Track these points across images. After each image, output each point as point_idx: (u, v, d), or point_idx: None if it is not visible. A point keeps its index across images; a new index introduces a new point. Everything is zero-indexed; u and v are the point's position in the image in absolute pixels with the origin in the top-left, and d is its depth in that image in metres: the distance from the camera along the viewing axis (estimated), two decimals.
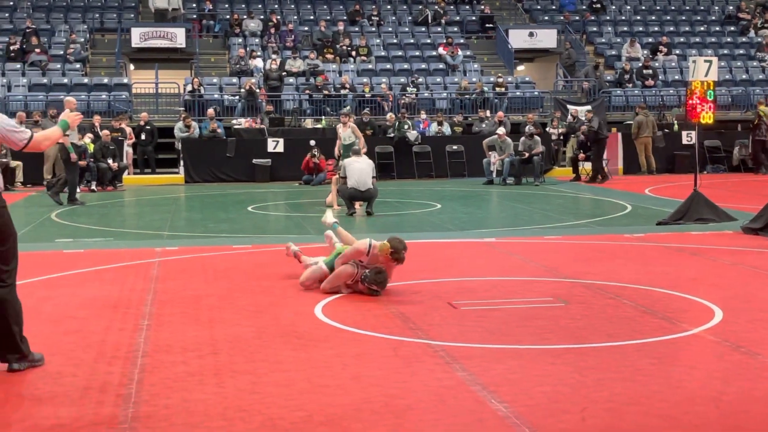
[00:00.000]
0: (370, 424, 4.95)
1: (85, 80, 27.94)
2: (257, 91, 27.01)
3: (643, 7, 36.61)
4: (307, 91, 27.66)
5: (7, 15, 31.94)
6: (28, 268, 9.64)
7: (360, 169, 15.84)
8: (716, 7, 36.70)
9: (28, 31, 29.32)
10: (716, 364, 6.20)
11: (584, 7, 35.75)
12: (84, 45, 29.99)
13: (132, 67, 31.97)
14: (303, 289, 8.84)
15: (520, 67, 33.68)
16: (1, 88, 26.81)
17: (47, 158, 22.40)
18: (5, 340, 6.00)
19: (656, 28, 34.81)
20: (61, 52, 29.18)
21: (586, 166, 23.53)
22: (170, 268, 10.26)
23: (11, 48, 28.58)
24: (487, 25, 33.80)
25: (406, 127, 25.24)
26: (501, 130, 23.00)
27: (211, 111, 25.38)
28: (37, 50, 28.59)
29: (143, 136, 24.90)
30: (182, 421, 5.03)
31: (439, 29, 33.02)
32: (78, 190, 18.81)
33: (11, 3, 32.65)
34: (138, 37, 29.88)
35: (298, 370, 6.00)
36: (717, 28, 35.11)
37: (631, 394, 5.44)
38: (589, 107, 26.35)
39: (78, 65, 28.75)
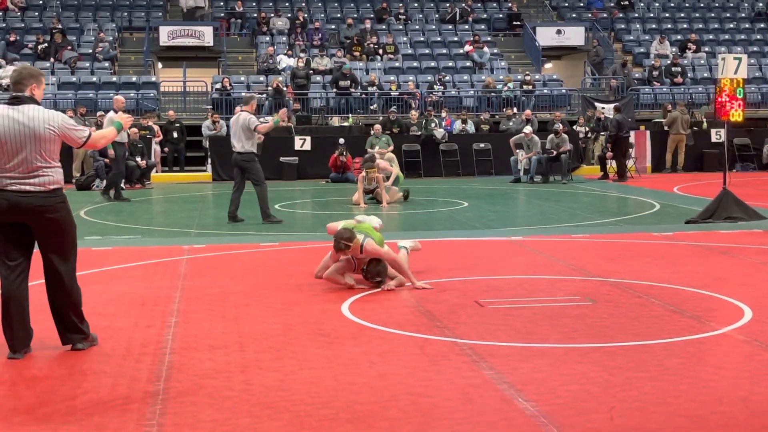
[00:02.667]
0: (396, 422, 4.95)
1: (114, 79, 28.13)
2: (284, 89, 27.08)
3: (672, 4, 36.36)
4: (335, 90, 27.67)
5: (36, 14, 32.20)
6: None
7: (234, 128, 14.22)
8: (746, 4, 36.39)
9: (54, 30, 29.54)
10: (745, 363, 6.15)
11: (612, 4, 35.56)
12: (112, 43, 30.18)
13: (160, 65, 32.15)
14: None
15: (548, 65, 33.56)
16: None
17: (76, 156, 22.55)
18: (69, 323, 6.48)
19: (685, 25, 34.57)
20: (90, 51, 29.37)
21: (614, 165, 23.42)
22: (198, 266, 10.31)
23: (39, 47, 28.80)
24: (514, 23, 33.71)
25: (432, 125, 25.22)
26: (528, 129, 22.93)
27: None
28: (69, 47, 28.81)
29: (174, 134, 25.03)
30: (210, 417, 5.05)
31: (466, 27, 32.96)
32: (100, 185, 18.92)
33: (40, 2, 32.92)
34: (166, 35, 30.05)
35: (324, 368, 6.01)
36: (746, 25, 34.82)
37: (659, 393, 5.40)
38: (615, 105, 26.26)
39: (106, 64, 28.94)
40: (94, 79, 27.71)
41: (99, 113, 23.81)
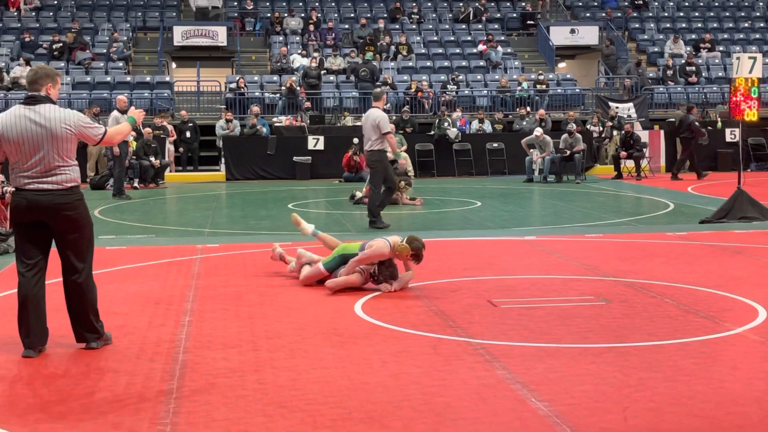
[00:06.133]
0: (409, 422, 4.95)
1: (128, 78, 28.20)
2: (298, 89, 27.11)
3: (686, 3, 36.24)
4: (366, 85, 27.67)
5: (51, 14, 32.31)
6: None
7: (365, 125, 13.83)
8: (761, 3, 36.22)
9: (73, 30, 29.64)
10: (760, 364, 6.12)
11: (626, 3, 35.46)
12: (127, 43, 30.27)
13: (174, 65, 32.22)
14: (300, 286, 8.89)
15: (562, 65, 33.49)
16: None
17: (90, 156, 22.64)
18: (84, 321, 6.51)
19: (699, 25, 34.45)
20: (104, 51, 29.47)
21: (628, 164, 23.38)
22: (211, 265, 10.33)
23: (54, 47, 28.91)
24: (528, 22, 33.67)
25: (446, 124, 25.20)
26: (538, 131, 22.88)
27: (255, 108, 25.55)
28: (83, 47, 28.91)
29: (188, 134, 25.08)
30: (223, 416, 5.06)
31: (480, 26, 32.93)
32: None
33: (55, 2, 33.04)
34: (180, 35, 30.13)
35: (337, 367, 6.01)
36: (761, 24, 34.66)
37: (673, 394, 5.39)
38: (687, 105, 26.28)
39: (121, 63, 29.02)
40: (109, 78, 27.79)
41: (94, 108, 24.01)
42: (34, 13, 32.17)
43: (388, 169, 13.74)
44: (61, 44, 28.92)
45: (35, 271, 6.40)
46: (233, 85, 27.50)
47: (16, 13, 31.94)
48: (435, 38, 32.03)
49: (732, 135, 25.24)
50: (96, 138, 6.51)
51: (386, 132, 13.43)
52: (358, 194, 17.63)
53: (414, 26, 32.69)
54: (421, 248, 8.54)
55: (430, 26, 32.94)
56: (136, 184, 21.76)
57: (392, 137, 13.71)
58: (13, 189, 6.44)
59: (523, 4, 34.40)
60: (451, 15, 34.01)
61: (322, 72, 28.42)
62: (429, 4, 34.62)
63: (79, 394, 5.54)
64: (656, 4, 35.88)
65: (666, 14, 35.39)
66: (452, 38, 32.07)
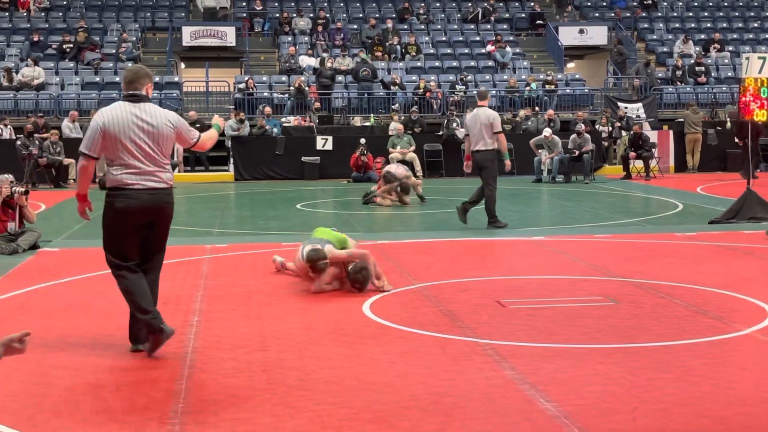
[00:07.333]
0: (417, 422, 4.95)
1: None
2: (306, 89, 27.12)
3: (695, 3, 36.15)
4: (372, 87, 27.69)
5: (60, 14, 32.39)
6: (80, 264, 9.76)
7: (474, 125, 13.43)
8: None
9: (80, 29, 29.71)
10: None
11: (635, 3, 35.40)
12: (135, 44, 30.32)
13: (183, 65, 32.27)
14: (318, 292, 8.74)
15: (570, 65, 33.45)
16: (55, 86, 27.20)
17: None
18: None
19: (708, 25, 34.36)
20: (113, 51, 29.53)
21: (637, 165, 23.34)
22: (220, 265, 10.34)
23: (65, 46, 28.97)
24: (537, 23, 33.63)
25: (454, 125, 25.18)
26: (547, 131, 22.87)
27: (268, 109, 25.59)
28: (94, 48, 28.97)
29: None
30: (231, 416, 5.06)
31: (488, 27, 32.90)
32: None
33: (64, 2, 33.12)
34: (189, 35, 30.16)
35: (345, 367, 6.01)
36: None
37: (682, 394, 5.37)
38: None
39: (130, 64, 29.03)
40: (118, 79, 27.78)
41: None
42: (43, 14, 32.25)
43: (496, 170, 13.44)
44: (71, 44, 28.97)
45: (138, 272, 6.37)
46: (242, 86, 27.53)
47: (25, 14, 32.02)
48: (443, 38, 32.02)
49: None
50: (191, 141, 6.60)
51: (498, 131, 13.23)
52: (375, 189, 17.51)
53: (422, 26, 32.68)
54: (312, 262, 8.46)
55: (439, 26, 32.93)
56: None
57: (503, 137, 13.39)
58: (110, 188, 6.35)
59: (532, 3, 34.36)
60: (459, 15, 34.00)
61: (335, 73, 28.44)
62: (437, 4, 34.61)
63: (88, 393, 5.55)
64: (665, 4, 35.79)
65: (675, 14, 35.30)
66: (461, 38, 32.05)
